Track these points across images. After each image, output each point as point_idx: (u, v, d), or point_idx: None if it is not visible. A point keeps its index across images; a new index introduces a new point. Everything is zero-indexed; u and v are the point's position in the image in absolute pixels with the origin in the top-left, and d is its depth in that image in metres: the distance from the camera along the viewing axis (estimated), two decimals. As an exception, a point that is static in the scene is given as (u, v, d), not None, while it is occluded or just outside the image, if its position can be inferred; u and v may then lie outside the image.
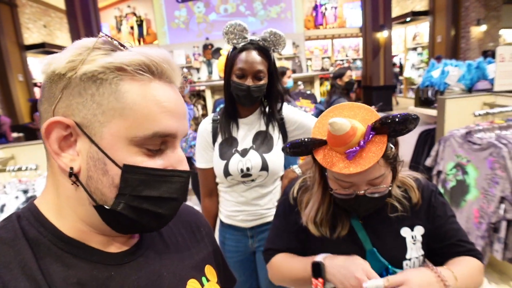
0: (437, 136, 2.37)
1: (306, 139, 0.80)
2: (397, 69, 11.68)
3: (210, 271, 0.68)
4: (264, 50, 1.37)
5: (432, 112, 2.50)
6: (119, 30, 14.55)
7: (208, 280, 0.66)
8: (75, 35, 9.75)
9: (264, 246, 1.10)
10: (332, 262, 0.85)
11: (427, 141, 2.75)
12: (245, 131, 1.47)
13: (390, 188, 0.85)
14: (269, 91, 1.44)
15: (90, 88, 0.47)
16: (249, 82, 1.35)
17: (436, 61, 2.70)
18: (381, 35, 10.21)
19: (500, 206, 1.87)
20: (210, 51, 11.13)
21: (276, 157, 1.43)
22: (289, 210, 1.02)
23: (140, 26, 14.50)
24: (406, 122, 0.71)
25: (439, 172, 2.29)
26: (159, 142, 0.51)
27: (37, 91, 10.74)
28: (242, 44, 1.36)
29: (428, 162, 2.34)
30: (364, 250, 0.91)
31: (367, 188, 0.82)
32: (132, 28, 14.51)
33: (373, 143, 0.75)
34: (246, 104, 1.40)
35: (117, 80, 0.48)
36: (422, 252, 0.93)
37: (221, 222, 1.60)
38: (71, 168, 0.49)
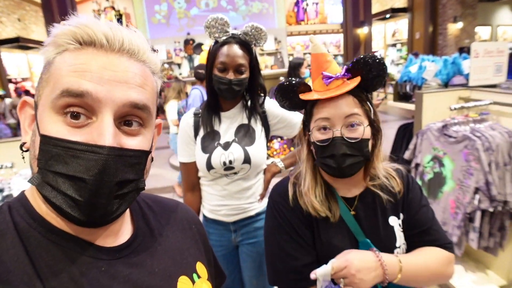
0: (415, 130, 2.44)
1: (293, 80, 0.91)
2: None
3: (201, 268, 0.68)
4: (246, 44, 1.37)
5: (410, 106, 2.56)
6: (97, 24, 14.20)
7: (199, 277, 0.66)
8: (51, 29, 9.45)
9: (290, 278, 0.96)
10: None
11: (405, 135, 2.82)
12: (227, 125, 1.47)
13: (368, 141, 0.88)
14: (251, 84, 1.44)
15: (44, 69, 0.51)
16: (230, 75, 1.35)
17: (413, 56, 2.75)
18: (362, 31, 10.35)
19: (475, 196, 1.95)
20: (192, 46, 11.01)
21: (258, 150, 1.44)
22: (288, 213, 0.96)
23: (119, 20, 14.16)
24: (375, 63, 0.83)
25: (417, 165, 2.35)
26: (71, 103, 0.47)
27: (11, 88, 10.35)
28: (224, 38, 1.36)
29: (407, 155, 2.40)
30: (356, 241, 0.92)
31: (343, 126, 0.85)
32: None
33: (348, 81, 0.87)
34: (228, 97, 1.41)
35: (55, 54, 0.50)
36: (403, 240, 0.96)
37: (204, 216, 1.60)
38: (23, 144, 0.50)
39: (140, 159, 0.53)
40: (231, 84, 1.35)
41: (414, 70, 2.57)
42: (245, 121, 1.47)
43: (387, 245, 0.92)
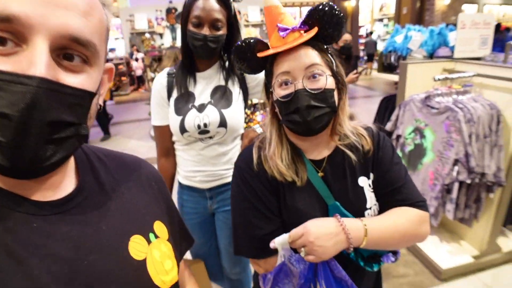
0: (398, 101, 2.40)
1: (249, 39, 0.85)
2: (373, 38, 11.47)
3: (160, 227, 0.62)
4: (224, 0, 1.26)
5: (394, 77, 2.51)
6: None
7: (156, 237, 0.60)
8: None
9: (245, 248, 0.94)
10: None
11: (388, 107, 2.79)
12: (203, 86, 1.38)
13: (333, 92, 0.83)
14: (229, 43, 1.34)
15: None
16: (206, 31, 1.25)
17: (400, 26, 2.68)
18: (349, 4, 10.15)
19: (454, 168, 1.94)
20: (174, 16, 10.55)
21: (235, 113, 1.35)
22: (252, 180, 0.91)
23: (97, -15, 13.43)
24: (331, 13, 0.79)
25: (398, 137, 2.33)
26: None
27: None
28: None
29: (388, 126, 2.37)
30: (326, 205, 0.88)
31: (305, 77, 0.80)
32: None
33: (305, 33, 0.82)
34: (204, 56, 1.31)
35: None
36: (375, 202, 0.91)
37: (179, 183, 1.54)
38: None
39: (82, 100, 0.46)
40: (206, 40, 1.25)
41: (399, 40, 2.50)
42: (222, 83, 1.38)
43: (357, 207, 0.89)
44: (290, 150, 0.91)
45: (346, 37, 3.29)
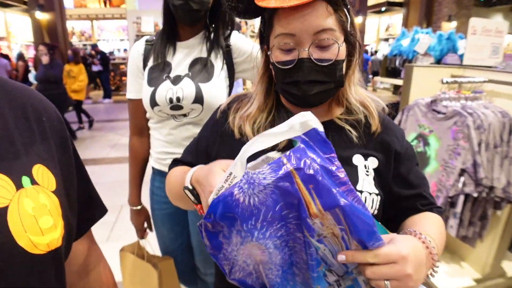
0: (401, 106, 2.24)
1: None
2: (379, 57, 11.44)
3: (43, 173, 0.47)
4: None
5: (399, 81, 2.35)
6: (84, -11, 13.51)
7: (34, 183, 0.45)
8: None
9: None
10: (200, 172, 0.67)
11: (390, 114, 2.62)
12: (183, 56, 1.22)
13: (342, 63, 0.70)
14: (216, 11, 1.20)
15: None
16: None
17: (406, 30, 2.54)
18: (356, 21, 10.15)
19: (460, 179, 1.76)
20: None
21: (215, 89, 1.18)
22: (212, 122, 0.86)
23: (107, -12, 13.55)
24: None
25: (399, 144, 2.16)
26: None
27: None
28: None
29: (390, 134, 2.20)
30: None
31: (312, 45, 0.65)
32: (98, -12, 13.54)
33: None
34: (185, 20, 1.15)
35: None
36: (376, 191, 0.74)
37: (152, 168, 1.37)
38: None
39: None
40: (188, 0, 1.09)
41: (406, 43, 2.36)
42: (204, 55, 1.21)
43: None
44: (275, 111, 0.77)
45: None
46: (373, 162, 0.76)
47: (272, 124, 0.75)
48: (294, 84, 0.68)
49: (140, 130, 1.32)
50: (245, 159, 0.56)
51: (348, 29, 0.69)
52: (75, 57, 6.48)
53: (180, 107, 1.16)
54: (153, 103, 1.17)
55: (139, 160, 1.35)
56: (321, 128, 0.56)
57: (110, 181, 3.95)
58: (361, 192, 0.72)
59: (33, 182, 0.45)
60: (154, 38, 1.24)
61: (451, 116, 1.81)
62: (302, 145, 0.53)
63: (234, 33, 1.28)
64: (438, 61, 2.37)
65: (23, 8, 10.87)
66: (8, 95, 0.48)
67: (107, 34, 14.36)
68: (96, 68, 10.53)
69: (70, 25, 12.61)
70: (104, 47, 12.68)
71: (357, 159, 0.74)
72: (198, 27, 1.21)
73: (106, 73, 10.50)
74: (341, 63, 0.69)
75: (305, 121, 0.55)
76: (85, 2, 13.56)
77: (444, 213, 0.80)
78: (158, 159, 1.29)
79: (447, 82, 1.88)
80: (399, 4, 11.14)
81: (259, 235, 0.53)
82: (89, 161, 4.86)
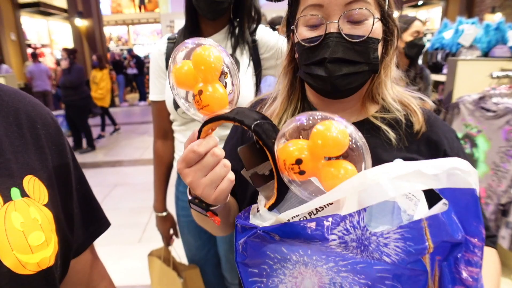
0: (444, 103, 2.07)
1: None
2: None
3: (34, 185, 0.43)
4: None
5: (441, 77, 2.18)
6: (120, -5, 14.05)
7: (24, 195, 0.41)
8: (72, -4, 9.32)
9: None
10: None
11: (436, 111, 2.44)
12: None
13: (378, 43, 0.60)
14: (240, 3, 1.12)
15: None
16: None
17: (448, 21, 2.35)
18: (391, 16, 9.74)
19: (513, 184, 1.59)
20: (212, 23, 10.68)
21: (241, 87, 1.12)
22: (232, 134, 0.78)
23: (142, -7, 14.00)
24: None
25: (442, 145, 1.99)
26: None
27: (30, 52, 10.34)
28: None
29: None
30: None
31: (342, 17, 0.57)
32: (133, -6, 14.02)
33: None
34: (209, 14, 1.08)
35: None
36: None
37: (178, 172, 1.32)
38: None
39: None
40: None
41: (448, 35, 2.18)
42: (229, 51, 1.15)
43: None
44: (301, 109, 0.68)
45: (418, 27, 1.92)
46: None
47: None
48: (320, 64, 0.59)
49: (164, 133, 1.29)
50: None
51: (385, 7, 0.60)
52: (99, 62, 6.37)
53: None
54: (177, 104, 1.12)
55: (164, 164, 1.31)
56: (477, 191, 0.42)
57: (142, 182, 4.03)
58: None
59: (23, 194, 0.41)
60: (177, 35, 1.20)
61: (503, 115, 1.63)
62: (442, 217, 0.39)
63: (260, 27, 1.20)
64: (486, 54, 2.16)
65: (64, 16, 11.45)
66: (0, 100, 0.45)
67: (143, 38, 14.85)
68: (131, 71, 10.90)
69: (107, 30, 13.14)
70: (139, 51, 13.10)
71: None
72: (222, 21, 1.15)
73: (141, 76, 10.83)
74: (376, 42, 0.59)
75: (458, 171, 0.40)
76: (121, 8, 14.08)
77: (496, 223, 0.67)
78: None
79: (497, 77, 1.70)
80: (438, -4, 10.57)
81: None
82: (124, 162, 4.99)
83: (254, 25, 1.18)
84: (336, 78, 0.58)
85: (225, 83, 0.48)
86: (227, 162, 0.49)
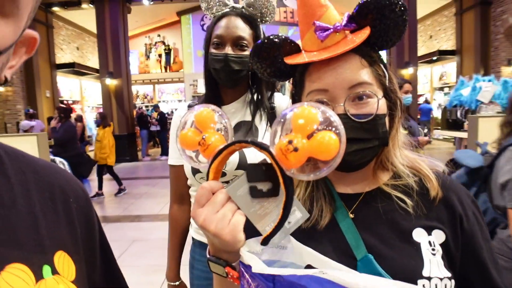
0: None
1: (275, 36, 0.66)
2: (429, 105, 10.93)
3: (64, 261, 0.44)
4: (249, 17, 1.13)
5: (462, 134, 2.16)
6: (147, 57, 15.17)
7: (55, 273, 0.41)
8: (103, 58, 10.13)
9: None
10: None
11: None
12: None
13: (384, 118, 0.62)
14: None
15: None
16: (227, 50, 1.10)
17: (465, 79, 2.38)
18: (406, 72, 9.97)
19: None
20: (233, 80, 11.22)
21: (259, 154, 1.13)
22: None
23: (167, 54, 15.07)
24: (392, 5, 0.58)
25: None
26: None
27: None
28: (223, 11, 1.13)
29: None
30: (353, 257, 0.61)
31: (347, 99, 0.60)
32: (160, 56, 15.10)
33: (352, 34, 0.61)
34: (227, 83, 1.14)
35: None
36: (448, 274, 0.60)
37: (192, 239, 1.30)
38: None
39: None
40: (227, 61, 1.09)
41: (466, 93, 2.20)
42: (248, 118, 1.19)
43: (406, 270, 0.59)
44: (314, 181, 0.68)
45: (407, 87, 2.66)
46: (439, 236, 0.62)
47: (312, 198, 0.68)
48: None
49: (181, 197, 1.29)
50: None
51: (387, 84, 0.64)
52: (102, 120, 6.37)
53: (223, 174, 1.12)
54: (195, 170, 1.14)
55: (179, 230, 1.29)
56: None
57: (161, 238, 3.98)
58: (429, 279, 0.58)
59: (54, 271, 0.41)
60: (197, 102, 1.25)
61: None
62: None
63: (278, 95, 1.26)
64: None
65: (95, 75, 12.38)
66: (36, 175, 0.47)
67: (167, 96, 15.69)
68: (154, 128, 11.39)
69: (134, 88, 13.99)
70: (164, 108, 13.76)
71: (419, 234, 0.62)
72: (241, 89, 1.20)
73: (164, 132, 11.26)
74: (383, 118, 0.62)
75: None
76: (148, 69, 15.10)
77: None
78: (199, 229, 1.23)
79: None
80: (451, 52, 10.84)
81: None
82: (143, 217, 5.00)
83: (270, 92, 1.24)
84: (348, 155, 0.58)
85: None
86: None
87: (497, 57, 9.49)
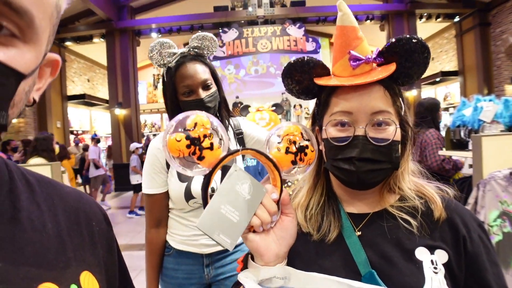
0: (474, 180, 2.02)
1: (308, 58, 0.71)
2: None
3: (89, 280, 0.47)
4: (200, 57, 1.26)
5: (467, 154, 2.18)
6: (155, 87, 15.52)
7: None
8: (113, 89, 10.43)
9: None
10: None
11: (463, 190, 2.39)
12: None
13: (398, 145, 0.69)
14: (220, 101, 1.33)
15: None
16: (200, 94, 1.22)
17: (467, 99, 2.43)
18: (410, 94, 10.05)
19: None
20: (239, 109, 11.38)
21: None
22: None
23: (175, 84, 15.43)
24: (419, 47, 0.65)
25: (480, 224, 1.89)
26: None
27: (71, 138, 11.28)
28: (174, 61, 1.24)
29: (466, 211, 1.96)
30: (358, 273, 0.65)
31: (368, 124, 0.66)
32: (167, 85, 15.47)
33: (379, 67, 0.69)
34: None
35: None
36: None
37: (169, 248, 1.35)
38: None
39: (5, 78, 0.36)
40: (204, 103, 1.22)
41: (468, 113, 2.23)
42: None
43: (407, 285, 0.61)
44: (325, 197, 0.75)
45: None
46: (441, 256, 0.65)
47: (323, 212, 0.72)
48: (348, 160, 0.66)
49: (158, 222, 1.33)
50: None
51: (403, 115, 0.70)
52: (61, 151, 5.98)
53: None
54: (189, 196, 1.22)
55: (157, 252, 1.34)
56: None
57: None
58: None
59: None
60: None
61: (539, 190, 1.57)
62: None
63: (243, 121, 1.41)
64: (510, 128, 2.17)
65: (105, 106, 12.68)
66: (63, 200, 0.51)
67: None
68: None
69: (142, 118, 14.25)
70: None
71: (421, 253, 0.65)
72: None
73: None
74: (397, 145, 0.68)
75: None
76: (156, 98, 15.42)
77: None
78: (185, 241, 1.28)
79: (525, 152, 1.69)
80: (454, 73, 10.94)
81: None
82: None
83: (236, 118, 1.40)
84: (362, 173, 0.65)
85: (215, 140, 0.56)
86: None
87: (500, 76, 9.55)
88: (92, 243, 0.51)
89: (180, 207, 1.29)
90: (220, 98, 1.31)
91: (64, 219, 0.49)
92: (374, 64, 0.68)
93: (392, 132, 0.66)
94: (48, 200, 0.49)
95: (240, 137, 1.37)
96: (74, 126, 12.18)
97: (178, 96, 1.25)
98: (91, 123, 13.49)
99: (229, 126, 1.36)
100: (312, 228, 0.72)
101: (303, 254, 0.70)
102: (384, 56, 0.68)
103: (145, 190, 1.31)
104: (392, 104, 0.68)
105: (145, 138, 12.57)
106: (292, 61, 0.72)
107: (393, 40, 0.66)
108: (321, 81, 0.70)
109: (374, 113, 0.66)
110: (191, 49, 1.25)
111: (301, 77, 0.72)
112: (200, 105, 1.21)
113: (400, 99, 0.70)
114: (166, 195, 1.30)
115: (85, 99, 11.65)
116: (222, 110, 1.34)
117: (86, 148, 9.90)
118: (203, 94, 1.22)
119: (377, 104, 0.66)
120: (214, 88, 1.27)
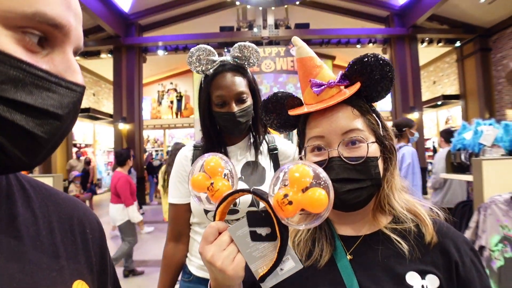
0: (475, 204, 2.02)
1: (279, 92, 0.77)
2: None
3: None
4: (239, 68, 1.22)
5: (468, 177, 2.18)
6: (159, 103, 15.68)
7: None
8: (118, 104, 10.55)
9: None
10: None
11: (465, 213, 2.38)
12: (235, 160, 1.27)
13: (376, 161, 0.68)
14: (255, 119, 1.28)
15: None
16: (232, 108, 1.18)
17: (467, 123, 2.46)
18: (412, 116, 10.10)
19: None
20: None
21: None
22: None
23: (179, 101, 15.57)
24: (378, 63, 0.67)
25: (481, 248, 1.88)
26: (39, 29, 0.39)
27: (74, 151, 11.33)
28: (213, 69, 1.22)
29: (467, 235, 1.96)
30: None
31: (341, 144, 0.67)
32: (172, 102, 15.61)
33: (346, 89, 0.71)
34: (236, 132, 1.23)
35: None
36: None
37: (188, 274, 1.29)
38: None
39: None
40: (235, 117, 1.18)
41: (468, 136, 2.25)
42: (252, 158, 1.27)
43: None
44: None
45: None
46: (433, 281, 0.64)
47: (314, 239, 0.72)
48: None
49: (178, 236, 1.30)
50: None
51: (380, 132, 0.71)
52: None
53: (236, 211, 1.17)
54: (208, 210, 1.19)
55: (172, 268, 1.29)
56: None
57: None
58: None
59: None
60: (201, 143, 1.30)
61: (540, 216, 1.57)
62: None
63: (278, 138, 1.35)
64: (510, 152, 2.19)
65: (109, 120, 12.78)
66: (58, 207, 0.52)
67: (177, 141, 15.96)
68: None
69: (145, 133, 14.34)
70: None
71: (412, 278, 0.64)
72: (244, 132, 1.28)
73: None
74: (374, 160, 0.68)
75: None
76: (160, 114, 15.56)
77: None
78: (204, 266, 1.23)
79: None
80: (456, 97, 11.03)
81: None
82: (149, 262, 4.92)
83: (270, 135, 1.34)
84: (342, 194, 0.65)
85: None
86: None
87: (501, 101, 9.61)
88: (85, 251, 0.52)
89: (200, 221, 1.25)
90: (256, 113, 1.26)
91: (58, 226, 0.49)
92: (342, 87, 0.71)
93: (365, 149, 0.67)
94: (43, 207, 0.50)
95: (274, 153, 1.31)
96: (78, 139, 12.26)
97: (211, 105, 1.22)
98: (95, 137, 13.57)
99: (264, 141, 1.31)
100: (301, 254, 0.71)
101: (294, 279, 0.69)
102: (349, 78, 0.70)
103: (170, 199, 1.29)
104: (363, 122, 0.69)
105: (147, 154, 12.57)
106: (264, 100, 0.77)
107: (351, 62, 0.69)
108: (292, 111, 0.74)
109: (344, 133, 0.67)
110: (231, 58, 1.22)
111: (276, 111, 0.77)
112: (231, 119, 1.18)
113: (374, 115, 0.72)
114: (189, 207, 1.26)
115: (89, 113, 11.77)
116: (258, 125, 1.29)
117: (88, 162, 9.92)
118: (236, 107, 1.18)
119: (346, 124, 0.68)
120: (249, 102, 1.22)
